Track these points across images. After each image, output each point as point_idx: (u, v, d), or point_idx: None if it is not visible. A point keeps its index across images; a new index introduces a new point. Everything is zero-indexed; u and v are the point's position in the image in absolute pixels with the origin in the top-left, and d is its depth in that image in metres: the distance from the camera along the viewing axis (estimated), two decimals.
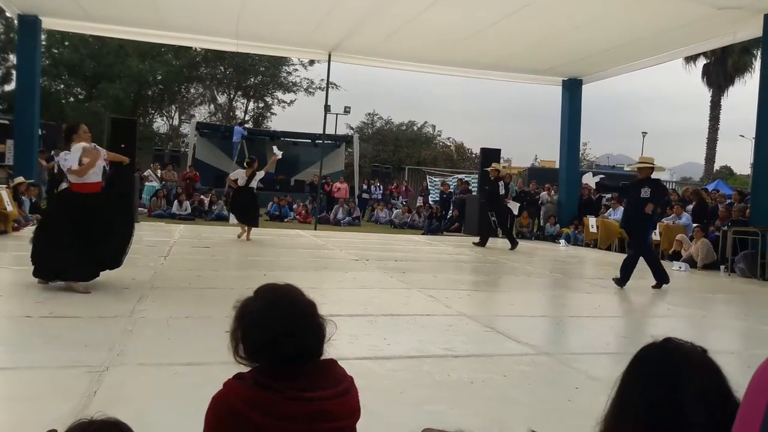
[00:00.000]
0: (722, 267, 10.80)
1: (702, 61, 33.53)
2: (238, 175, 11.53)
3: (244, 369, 1.53)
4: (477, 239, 13.41)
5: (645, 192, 7.68)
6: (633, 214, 7.93)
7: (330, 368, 1.53)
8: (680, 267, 10.79)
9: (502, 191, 13.17)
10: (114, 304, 4.88)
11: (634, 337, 4.88)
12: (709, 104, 35.05)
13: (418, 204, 22.40)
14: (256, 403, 1.40)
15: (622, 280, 7.80)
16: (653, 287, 7.86)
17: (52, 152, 17.12)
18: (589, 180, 10.33)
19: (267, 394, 1.41)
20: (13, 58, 29.51)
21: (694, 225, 12.14)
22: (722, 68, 33.03)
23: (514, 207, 14.30)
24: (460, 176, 23.01)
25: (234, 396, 1.43)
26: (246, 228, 11.37)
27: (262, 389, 1.42)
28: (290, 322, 1.47)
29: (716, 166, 38.80)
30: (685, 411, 1.12)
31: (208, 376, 3.15)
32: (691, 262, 11.11)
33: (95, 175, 5.73)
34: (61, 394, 2.84)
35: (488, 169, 13.59)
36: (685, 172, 52.41)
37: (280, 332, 1.45)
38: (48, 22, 14.31)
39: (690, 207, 13.45)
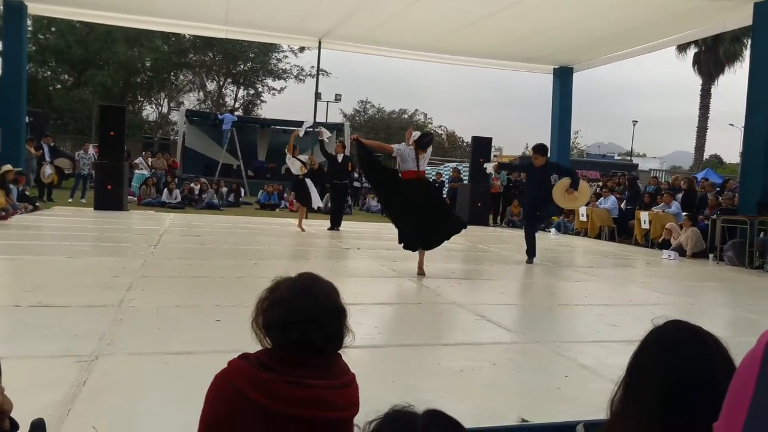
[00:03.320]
0: (711, 255, 10.88)
1: (693, 50, 33.64)
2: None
3: (234, 356, 1.53)
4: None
5: (554, 178, 8.54)
6: (543, 197, 8.70)
7: (334, 362, 1.55)
8: (669, 255, 10.86)
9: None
10: (103, 293, 4.86)
11: (623, 326, 4.92)
12: (700, 93, 35.22)
13: None
14: (257, 383, 1.42)
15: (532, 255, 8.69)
16: (528, 262, 8.69)
17: (42, 140, 16.98)
18: (489, 167, 10.78)
19: (269, 375, 1.43)
20: None
21: (684, 214, 12.22)
22: (713, 56, 33.15)
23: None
24: (451, 165, 23.00)
25: (237, 375, 1.46)
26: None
27: (264, 370, 1.44)
28: (310, 313, 1.49)
29: (706, 155, 39.06)
30: (718, 382, 1.11)
31: (198, 365, 3.15)
32: (681, 251, 11.19)
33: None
34: (51, 384, 2.82)
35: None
36: (674, 161, 52.70)
37: (296, 318, 1.48)
38: (34, 8, 14.13)
39: (679, 196, 13.53)
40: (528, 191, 9.29)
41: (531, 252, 8.73)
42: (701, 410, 1.10)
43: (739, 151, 20.87)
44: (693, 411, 1.12)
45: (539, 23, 12.85)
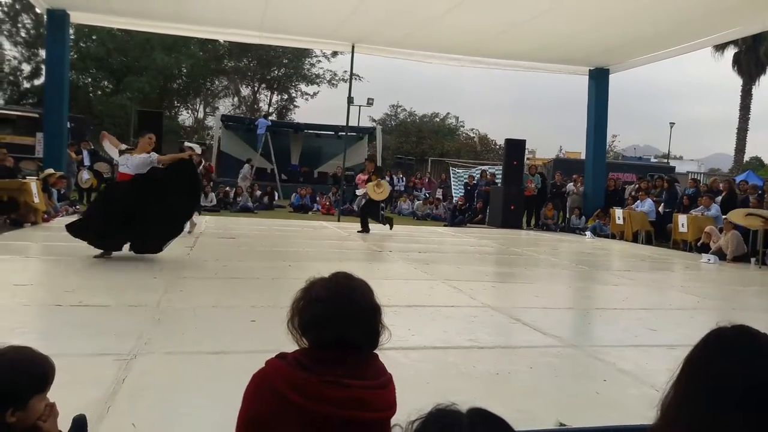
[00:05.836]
0: (753, 259, 10.57)
1: (731, 50, 32.86)
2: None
3: (270, 356, 1.54)
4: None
5: None
6: None
7: (371, 362, 1.55)
8: (709, 259, 10.58)
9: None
10: (142, 294, 4.94)
11: (663, 330, 4.80)
12: (740, 93, 34.33)
13: (437, 196, 22.29)
14: (295, 382, 1.42)
15: None
16: None
17: (82, 145, 17.41)
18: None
19: (306, 375, 1.43)
20: (42, 53, 29.96)
21: (723, 217, 11.90)
22: (754, 56, 32.32)
23: None
24: (484, 168, 22.85)
25: (275, 374, 1.46)
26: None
27: (302, 370, 1.44)
28: (344, 311, 1.50)
29: (746, 157, 37.98)
30: None
31: (234, 364, 3.17)
32: (721, 255, 10.89)
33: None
34: (91, 381, 2.88)
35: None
36: (713, 163, 51.41)
37: (331, 317, 1.48)
38: (76, 17, 14.48)
39: (719, 198, 13.18)
40: None
41: None
42: (756, 416, 1.06)
43: None
44: (747, 415, 1.08)
45: (575, 26, 12.67)
